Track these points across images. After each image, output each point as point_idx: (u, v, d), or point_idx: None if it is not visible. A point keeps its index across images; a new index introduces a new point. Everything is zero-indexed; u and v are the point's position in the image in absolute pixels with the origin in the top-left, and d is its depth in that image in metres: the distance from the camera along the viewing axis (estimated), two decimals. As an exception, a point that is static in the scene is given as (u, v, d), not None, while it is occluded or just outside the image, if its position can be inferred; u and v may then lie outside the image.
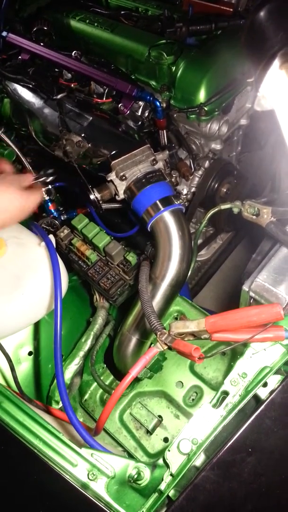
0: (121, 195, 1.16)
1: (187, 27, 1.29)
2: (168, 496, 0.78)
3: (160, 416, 1.17)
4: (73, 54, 1.35)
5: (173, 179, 1.19)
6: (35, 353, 1.11)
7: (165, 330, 0.89)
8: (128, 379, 0.84)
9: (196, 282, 2.10)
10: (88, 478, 0.76)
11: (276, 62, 0.57)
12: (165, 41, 1.31)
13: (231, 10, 1.36)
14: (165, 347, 0.88)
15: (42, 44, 1.40)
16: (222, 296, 2.16)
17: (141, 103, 1.32)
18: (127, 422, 1.18)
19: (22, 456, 0.78)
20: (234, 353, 1.22)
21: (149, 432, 1.16)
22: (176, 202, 1.09)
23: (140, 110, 1.33)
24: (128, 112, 1.26)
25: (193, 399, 1.19)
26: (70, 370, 1.13)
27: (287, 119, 0.55)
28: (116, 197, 1.17)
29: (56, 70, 1.38)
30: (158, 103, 1.24)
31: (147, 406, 1.19)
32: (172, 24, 1.30)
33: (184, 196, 1.21)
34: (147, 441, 1.15)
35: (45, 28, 1.49)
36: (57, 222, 1.29)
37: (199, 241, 1.95)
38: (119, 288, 1.12)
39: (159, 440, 1.15)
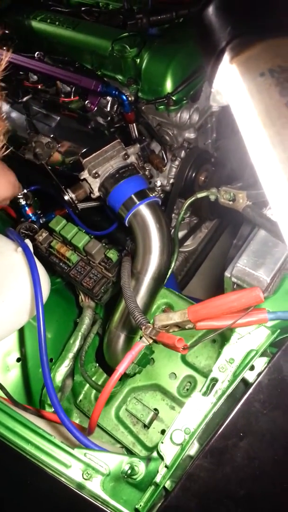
0: (96, 193, 1.15)
1: (147, 18, 1.27)
2: (164, 487, 0.78)
3: (156, 409, 1.17)
4: (36, 55, 1.33)
5: (146, 172, 1.19)
6: (24, 359, 1.10)
7: (149, 324, 0.89)
8: (115, 376, 0.83)
9: (185, 273, 2.10)
10: (83, 477, 0.76)
11: (226, 57, 0.56)
12: (128, 34, 1.29)
13: (191, -3, 1.35)
14: (151, 341, 0.88)
15: (4, 48, 1.38)
16: (213, 283, 2.16)
17: (109, 98, 1.31)
18: (123, 418, 1.18)
19: (14, 462, 0.78)
20: (224, 339, 1.23)
21: (146, 426, 1.16)
22: (151, 195, 1.08)
23: (109, 105, 1.32)
24: (95, 108, 1.25)
25: (187, 389, 1.19)
26: (60, 373, 1.13)
27: (241, 114, 0.54)
28: (92, 195, 1.17)
29: (21, 73, 1.37)
30: (124, 97, 1.23)
31: (142, 400, 1.19)
32: (132, 16, 1.29)
33: (159, 188, 1.21)
34: (144, 435, 1.16)
35: (7, 32, 1.47)
36: (35, 226, 1.28)
37: (184, 232, 1.95)
38: (102, 286, 1.12)
39: (157, 433, 1.16)
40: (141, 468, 0.78)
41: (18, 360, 1.11)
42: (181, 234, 1.90)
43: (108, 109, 1.32)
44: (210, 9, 0.58)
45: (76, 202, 1.16)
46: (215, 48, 0.56)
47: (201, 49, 0.62)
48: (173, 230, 1.30)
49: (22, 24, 1.50)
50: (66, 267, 1.15)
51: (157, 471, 0.78)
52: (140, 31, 1.29)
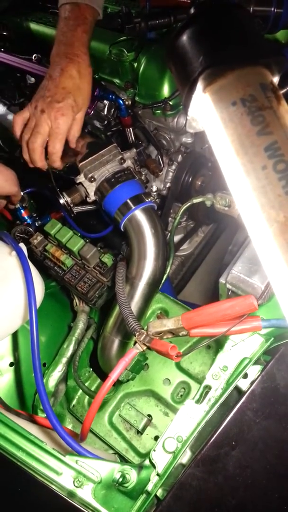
0: (92, 197, 1.15)
1: (145, 22, 1.27)
2: (156, 496, 0.78)
3: (149, 415, 1.17)
4: (33, 57, 1.33)
5: (142, 177, 1.19)
6: (17, 363, 1.10)
7: (143, 330, 0.88)
8: (108, 383, 0.83)
9: (181, 277, 2.10)
10: (74, 485, 0.76)
11: (199, 86, 0.56)
12: (125, 37, 1.29)
13: (188, 1, 1.35)
14: (144, 348, 0.87)
15: (2, 50, 1.37)
16: (209, 288, 2.16)
17: (106, 102, 1.31)
18: (116, 424, 1.18)
19: (4, 468, 0.77)
20: (219, 346, 1.23)
21: (140, 432, 1.16)
22: (147, 200, 1.08)
23: (106, 109, 1.32)
24: (92, 112, 1.25)
25: (181, 395, 1.18)
26: (53, 377, 1.12)
27: (216, 142, 0.55)
28: (87, 199, 1.16)
29: (18, 75, 1.36)
30: (121, 101, 1.23)
31: (136, 406, 1.18)
32: (130, 20, 1.29)
33: (155, 193, 1.20)
34: (138, 441, 1.15)
35: (5, 33, 1.47)
36: (31, 229, 1.28)
37: (181, 236, 1.95)
38: (97, 290, 1.11)
39: (150, 439, 1.15)
40: (132, 476, 0.77)
41: (11, 364, 1.10)
42: (177, 238, 1.90)
43: (105, 112, 1.32)
44: (183, 39, 0.59)
45: (71, 205, 1.16)
46: (188, 77, 0.57)
47: (175, 78, 0.63)
48: (169, 235, 1.30)
49: (20, 25, 1.50)
50: (60, 271, 1.14)
51: (149, 479, 0.78)
52: (138, 35, 1.29)
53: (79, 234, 1.18)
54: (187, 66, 0.58)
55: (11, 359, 1.10)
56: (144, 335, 0.87)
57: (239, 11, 0.61)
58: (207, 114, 0.56)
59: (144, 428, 1.15)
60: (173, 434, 0.80)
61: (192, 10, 0.65)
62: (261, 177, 0.49)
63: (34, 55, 1.34)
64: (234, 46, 0.57)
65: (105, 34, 1.36)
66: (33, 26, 1.48)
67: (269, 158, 0.49)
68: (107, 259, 1.12)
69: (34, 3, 1.59)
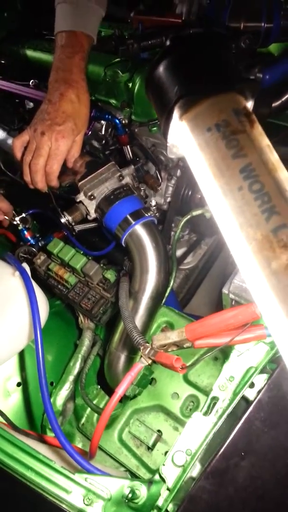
0: (93, 214, 1.17)
1: (138, 43, 1.31)
2: (167, 511, 0.77)
3: (159, 431, 1.16)
4: (30, 83, 1.37)
5: (141, 192, 1.20)
6: (24, 383, 1.10)
7: (148, 344, 0.89)
8: (115, 399, 0.83)
9: (186, 291, 2.10)
10: (84, 503, 0.75)
11: (176, 115, 0.60)
12: (119, 59, 1.33)
13: (180, 21, 1.38)
14: (150, 361, 0.87)
15: (0, 77, 1.42)
16: (215, 300, 2.15)
17: (103, 122, 1.34)
18: (126, 441, 1.17)
19: (14, 488, 0.77)
20: (226, 356, 1.22)
21: (150, 448, 1.14)
22: (146, 214, 1.09)
23: (103, 129, 1.35)
24: (90, 132, 1.28)
25: (190, 409, 1.17)
26: (61, 396, 1.12)
27: (195, 166, 0.58)
28: (88, 217, 1.18)
29: (17, 100, 1.40)
30: (117, 121, 1.26)
31: (145, 422, 1.17)
32: (123, 42, 1.32)
33: (154, 207, 1.23)
34: (148, 457, 1.14)
35: (2, 61, 1.51)
36: (34, 249, 1.30)
37: (184, 249, 1.96)
38: (101, 307, 1.12)
39: (161, 455, 1.14)
40: (142, 492, 0.77)
41: (18, 384, 1.11)
42: (181, 251, 1.91)
43: (103, 132, 1.35)
44: (159, 70, 0.63)
45: (73, 224, 1.17)
46: (165, 107, 0.61)
47: (154, 107, 0.68)
48: (171, 248, 1.31)
49: (17, 53, 1.55)
50: (64, 289, 1.15)
51: (159, 494, 0.77)
52: (132, 56, 1.32)
53: (81, 252, 1.19)
54: (163, 96, 0.62)
55: (18, 379, 1.10)
56: (149, 348, 0.87)
57: (213, 40, 0.65)
58: (185, 140, 0.59)
59: (154, 444, 1.14)
60: (182, 448, 0.80)
61: (167, 42, 0.70)
62: (238, 198, 0.51)
63: (32, 80, 1.38)
64: (206, 75, 0.61)
65: (100, 57, 1.40)
66: (30, 53, 1.53)
67: (244, 180, 0.51)
68: (110, 275, 1.13)
69: (30, 31, 1.64)
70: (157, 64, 0.63)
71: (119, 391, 0.83)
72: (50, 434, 1.07)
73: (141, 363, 0.87)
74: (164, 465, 0.78)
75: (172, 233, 1.68)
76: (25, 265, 0.99)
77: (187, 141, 0.58)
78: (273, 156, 0.53)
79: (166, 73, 0.62)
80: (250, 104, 0.62)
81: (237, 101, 0.57)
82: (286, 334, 0.47)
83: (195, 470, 0.81)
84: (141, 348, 0.88)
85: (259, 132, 0.54)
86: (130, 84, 1.29)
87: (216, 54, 0.64)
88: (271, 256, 0.47)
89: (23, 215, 1.32)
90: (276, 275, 0.47)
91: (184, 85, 0.60)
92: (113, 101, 1.36)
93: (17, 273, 0.97)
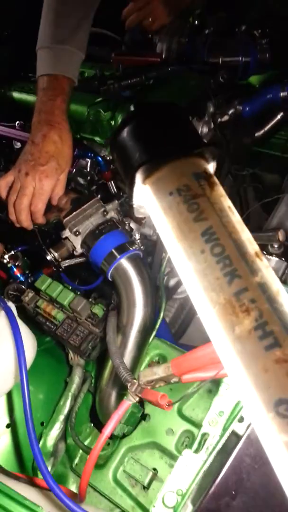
0: (79, 250, 1.17)
1: (119, 82, 1.35)
2: None
3: (154, 469, 1.13)
4: (16, 124, 1.40)
5: (126, 226, 1.22)
6: (13, 425, 1.08)
7: (135, 381, 0.88)
8: (101, 440, 0.81)
9: (182, 321, 2.08)
10: None
11: (139, 178, 0.62)
12: (101, 99, 1.37)
13: (158, 59, 1.44)
14: (137, 399, 0.86)
15: (-13, 120, 1.46)
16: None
17: (88, 159, 1.37)
18: (121, 481, 1.13)
19: None
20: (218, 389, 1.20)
21: (146, 488, 1.11)
22: (131, 248, 1.10)
23: (88, 166, 1.37)
24: (74, 170, 1.30)
25: (186, 445, 1.14)
26: (51, 437, 1.09)
27: (159, 228, 0.60)
28: (75, 252, 1.19)
29: (4, 141, 1.44)
30: (100, 158, 1.29)
31: (140, 460, 1.14)
32: (105, 82, 1.37)
33: (138, 241, 1.24)
34: (144, 497, 1.10)
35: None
36: (23, 286, 1.30)
37: (177, 279, 1.95)
38: (90, 342, 1.11)
39: (157, 494, 1.10)
40: (132, 538, 0.74)
41: (7, 426, 1.08)
42: (174, 281, 1.90)
43: (88, 169, 1.37)
44: (123, 136, 0.66)
45: (59, 260, 1.18)
46: (129, 170, 0.63)
47: (119, 170, 0.70)
48: (159, 279, 1.31)
49: (3, 96, 1.59)
50: (53, 326, 1.15)
51: (150, 539, 0.74)
52: (113, 95, 1.37)
53: (70, 288, 1.19)
54: (127, 160, 0.64)
55: (7, 420, 1.08)
56: (136, 385, 0.86)
57: (172, 109, 0.69)
58: (149, 202, 0.61)
59: (150, 483, 1.11)
60: (173, 488, 0.78)
61: (131, 108, 0.74)
62: (201, 261, 0.52)
63: (17, 122, 1.42)
64: (167, 141, 0.64)
65: (83, 97, 1.43)
66: (16, 95, 1.57)
67: (206, 243, 0.52)
68: (98, 309, 1.13)
69: (16, 74, 1.69)
70: (120, 130, 0.66)
71: (106, 432, 0.81)
72: (41, 476, 1.04)
73: (128, 401, 0.85)
74: (154, 506, 0.76)
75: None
76: (11, 304, 0.98)
77: (151, 203, 0.60)
78: (235, 217, 0.54)
79: (129, 139, 0.65)
80: (211, 166, 0.64)
81: (198, 165, 0.59)
82: (252, 405, 0.47)
83: (187, 511, 0.79)
84: (128, 384, 0.87)
85: (219, 194, 0.56)
86: (113, 122, 1.32)
87: (177, 121, 0.67)
88: (234, 320, 0.47)
89: (12, 252, 1.33)
90: (240, 340, 0.47)
91: (145, 152, 0.63)
92: (97, 138, 1.38)
93: (2, 312, 0.96)
